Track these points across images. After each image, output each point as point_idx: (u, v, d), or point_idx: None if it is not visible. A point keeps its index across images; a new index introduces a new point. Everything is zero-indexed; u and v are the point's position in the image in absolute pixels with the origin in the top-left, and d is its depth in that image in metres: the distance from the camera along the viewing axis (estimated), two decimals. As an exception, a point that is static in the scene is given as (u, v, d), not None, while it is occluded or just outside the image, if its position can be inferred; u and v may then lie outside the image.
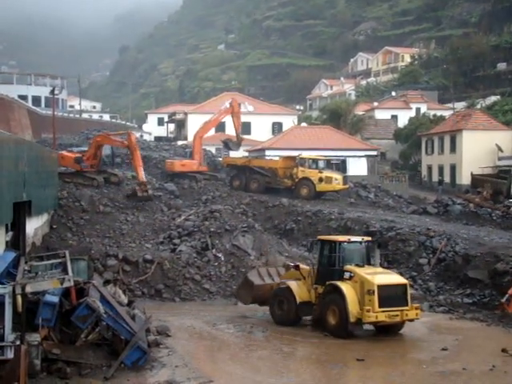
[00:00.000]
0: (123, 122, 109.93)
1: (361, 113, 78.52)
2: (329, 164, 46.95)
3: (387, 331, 21.93)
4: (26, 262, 20.54)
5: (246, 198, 41.57)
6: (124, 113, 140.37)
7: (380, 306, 20.88)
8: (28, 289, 15.64)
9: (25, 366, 13.17)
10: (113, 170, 42.88)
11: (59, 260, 20.68)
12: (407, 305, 21.42)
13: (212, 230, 32.70)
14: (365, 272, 21.60)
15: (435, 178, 62.65)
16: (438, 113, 76.33)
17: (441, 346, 20.80)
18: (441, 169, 62.72)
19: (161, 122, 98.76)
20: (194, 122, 73.91)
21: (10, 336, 12.87)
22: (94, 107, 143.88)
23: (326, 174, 44.09)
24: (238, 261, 30.71)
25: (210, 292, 28.90)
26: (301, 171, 44.09)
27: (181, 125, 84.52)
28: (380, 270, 22.59)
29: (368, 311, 20.81)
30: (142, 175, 38.57)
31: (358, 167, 56.65)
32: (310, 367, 19.22)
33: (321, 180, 43.73)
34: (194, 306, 25.22)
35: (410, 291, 22.13)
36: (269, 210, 39.97)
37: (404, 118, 77.89)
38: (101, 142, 41.50)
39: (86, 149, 43.39)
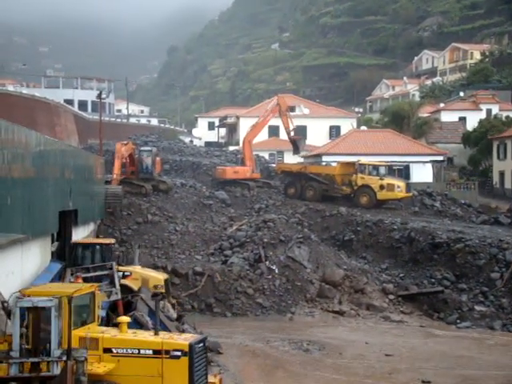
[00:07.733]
0: (172, 127, 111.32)
1: (426, 115, 77.56)
2: (391, 170, 46.53)
3: None
4: (71, 274, 21.00)
5: (301, 207, 41.55)
6: (173, 117, 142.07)
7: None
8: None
9: (71, 383, 13.43)
10: (161, 177, 43.39)
11: (106, 272, 21.09)
12: None
13: (265, 240, 32.84)
14: (141, 270, 25.20)
15: (508, 185, 61.35)
16: None
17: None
18: (514, 175, 61.39)
19: (211, 126, 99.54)
20: (247, 126, 74.41)
21: (56, 351, 13.13)
22: (142, 111, 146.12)
23: (388, 181, 43.72)
24: (293, 274, 30.73)
25: (264, 307, 28.98)
26: (360, 178, 43.83)
27: (232, 129, 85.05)
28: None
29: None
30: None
31: (422, 173, 55.92)
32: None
33: (382, 187, 43.39)
34: (247, 321, 25.34)
35: None
36: (326, 219, 39.85)
37: (473, 121, 76.39)
38: None
39: None
